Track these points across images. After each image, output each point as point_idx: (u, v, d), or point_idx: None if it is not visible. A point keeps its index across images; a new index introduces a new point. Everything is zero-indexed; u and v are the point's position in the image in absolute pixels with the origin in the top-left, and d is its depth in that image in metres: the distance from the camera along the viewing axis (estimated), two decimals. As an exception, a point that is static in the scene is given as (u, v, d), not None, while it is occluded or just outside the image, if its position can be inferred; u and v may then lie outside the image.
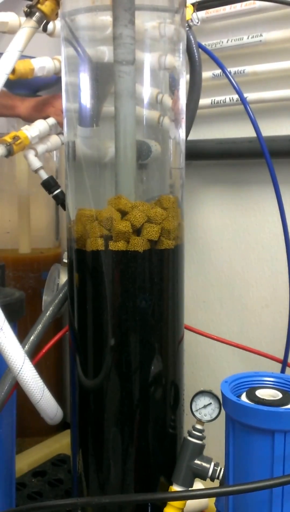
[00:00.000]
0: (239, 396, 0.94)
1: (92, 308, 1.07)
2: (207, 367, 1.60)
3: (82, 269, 1.09)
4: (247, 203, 1.48)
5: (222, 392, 0.94)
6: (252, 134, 1.26)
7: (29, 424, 1.60)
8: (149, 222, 1.04)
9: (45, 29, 1.16)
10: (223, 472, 1.02)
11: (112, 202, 1.06)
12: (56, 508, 1.37)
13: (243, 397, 0.93)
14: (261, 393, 0.93)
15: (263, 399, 0.91)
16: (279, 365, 1.31)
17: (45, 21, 1.09)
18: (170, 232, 1.06)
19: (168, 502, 1.06)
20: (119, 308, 1.05)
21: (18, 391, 1.15)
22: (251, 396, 0.92)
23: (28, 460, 1.66)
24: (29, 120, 1.48)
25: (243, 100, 1.22)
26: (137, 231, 1.04)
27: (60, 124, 1.43)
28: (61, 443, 1.77)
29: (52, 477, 1.58)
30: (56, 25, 1.29)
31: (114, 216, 1.03)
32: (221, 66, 1.24)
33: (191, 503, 1.17)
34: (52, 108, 1.42)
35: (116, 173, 1.08)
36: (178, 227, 1.10)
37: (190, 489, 1.06)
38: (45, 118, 1.43)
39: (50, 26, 1.26)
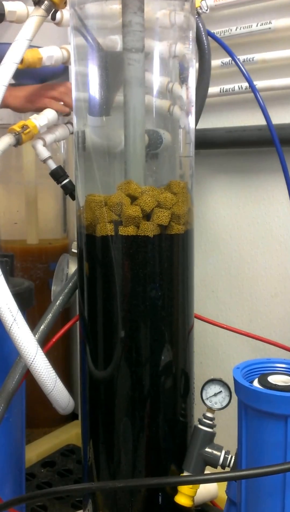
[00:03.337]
0: (251, 382, 0.93)
1: (102, 294, 1.07)
2: (216, 357, 1.60)
3: (92, 255, 1.09)
4: (256, 192, 1.48)
5: (234, 378, 0.94)
6: (261, 122, 1.26)
7: (37, 415, 1.61)
8: (159, 207, 1.04)
9: (53, 18, 1.15)
10: (235, 459, 1.03)
11: (122, 187, 1.05)
12: (71, 493, 1.38)
13: (255, 383, 0.92)
14: (273, 379, 0.93)
15: (275, 384, 0.90)
16: (289, 354, 1.31)
17: (53, 9, 1.09)
18: (180, 217, 1.06)
19: (179, 490, 1.06)
20: (130, 293, 1.05)
21: (26, 382, 1.15)
22: (263, 382, 0.92)
23: (37, 450, 1.67)
24: (20, 110, 1.46)
25: (253, 88, 1.22)
26: (147, 216, 1.04)
27: (62, 112, 1.41)
28: (69, 434, 1.77)
29: (61, 467, 1.59)
30: (64, 14, 1.28)
31: (124, 201, 1.03)
32: (230, 54, 1.23)
33: (201, 493, 1.17)
34: (45, 99, 1.40)
35: (125, 162, 1.08)
36: (188, 212, 1.10)
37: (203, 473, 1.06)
38: (39, 110, 1.41)
39: (58, 15, 1.26)
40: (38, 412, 1.58)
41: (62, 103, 1.41)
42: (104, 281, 1.06)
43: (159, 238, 1.04)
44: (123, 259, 1.04)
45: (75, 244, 1.33)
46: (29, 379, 1.09)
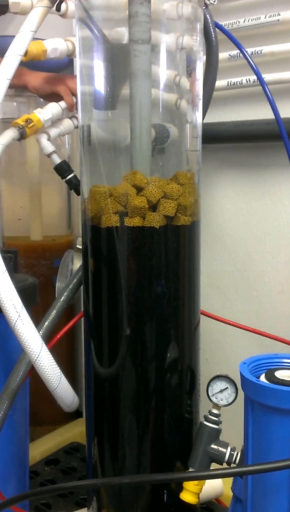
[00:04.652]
0: (257, 377, 0.92)
1: (107, 286, 1.06)
2: (222, 354, 1.59)
3: (97, 247, 1.08)
4: (263, 187, 1.46)
5: (241, 373, 0.93)
6: (269, 116, 1.24)
7: (41, 413, 1.60)
8: (165, 198, 1.03)
9: (58, 9, 1.14)
10: (241, 455, 1.02)
11: (128, 178, 1.04)
12: (76, 489, 1.37)
13: (262, 378, 0.92)
14: (280, 374, 0.92)
15: (282, 379, 0.89)
16: (296, 351, 1.29)
17: (58, 0, 1.07)
18: (187, 208, 1.05)
19: (184, 487, 1.05)
20: (135, 286, 1.04)
21: (30, 379, 1.14)
22: (270, 377, 0.91)
23: (40, 448, 1.66)
24: (37, 90, 1.44)
25: (261, 81, 1.20)
26: (153, 207, 1.03)
27: (69, 106, 1.39)
28: (73, 432, 1.76)
29: (65, 465, 1.58)
30: (68, 5, 1.26)
31: (130, 191, 1.02)
32: (238, 46, 1.21)
33: (206, 490, 1.16)
34: (64, 86, 1.39)
35: (131, 156, 1.06)
36: (195, 203, 1.09)
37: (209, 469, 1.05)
38: (54, 94, 1.40)
39: (63, 6, 1.24)
40: (42, 410, 1.57)
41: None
42: (109, 273, 1.05)
43: (165, 229, 1.03)
44: (129, 251, 1.03)
45: (80, 240, 1.32)
46: (33, 376, 1.08)
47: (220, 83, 1.38)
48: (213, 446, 1.05)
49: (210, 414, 1.07)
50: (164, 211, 1.02)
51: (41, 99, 1.58)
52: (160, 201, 1.02)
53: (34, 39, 1.15)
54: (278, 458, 0.81)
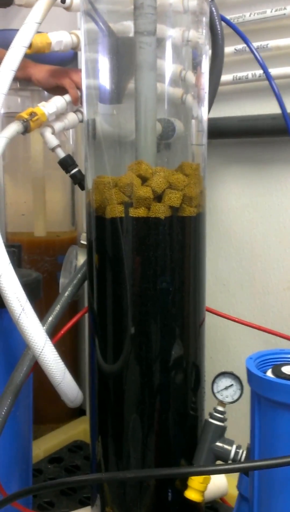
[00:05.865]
0: (264, 372, 0.92)
1: (111, 278, 1.05)
2: (226, 351, 1.57)
3: (101, 238, 1.07)
4: (269, 183, 1.45)
5: (247, 368, 0.92)
6: (275, 110, 1.23)
7: (44, 411, 1.59)
8: (171, 189, 1.02)
9: (63, 1, 1.13)
10: (246, 453, 1.01)
11: (133, 168, 1.03)
12: (81, 484, 1.36)
13: (269, 374, 0.91)
14: (287, 370, 0.91)
15: (289, 375, 0.89)
16: (302, 348, 1.28)
17: (63, -8, 1.07)
18: (192, 199, 1.04)
19: (189, 485, 1.04)
20: (140, 277, 1.03)
21: (34, 377, 1.13)
22: (277, 372, 0.90)
23: (44, 446, 1.65)
24: (42, 83, 1.43)
25: (267, 75, 1.19)
26: (158, 198, 1.02)
27: (73, 99, 1.38)
28: (77, 430, 1.76)
29: (68, 463, 1.57)
30: (73, -2, 1.26)
31: (135, 181, 1.01)
32: (245, 40, 1.20)
33: (210, 489, 1.15)
34: (68, 79, 1.38)
35: (136, 149, 1.06)
36: (200, 194, 1.08)
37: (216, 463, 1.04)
38: (59, 87, 1.39)
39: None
40: (45, 408, 1.57)
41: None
42: (114, 264, 1.04)
43: (170, 220, 1.02)
44: (134, 242, 1.02)
45: (84, 235, 1.31)
46: (37, 375, 1.07)
47: (225, 77, 1.37)
48: (218, 443, 1.04)
49: (215, 412, 1.06)
50: (169, 201, 1.01)
51: (46, 94, 1.57)
52: (165, 192, 1.01)
53: (38, 33, 1.14)
54: (284, 453, 0.80)
